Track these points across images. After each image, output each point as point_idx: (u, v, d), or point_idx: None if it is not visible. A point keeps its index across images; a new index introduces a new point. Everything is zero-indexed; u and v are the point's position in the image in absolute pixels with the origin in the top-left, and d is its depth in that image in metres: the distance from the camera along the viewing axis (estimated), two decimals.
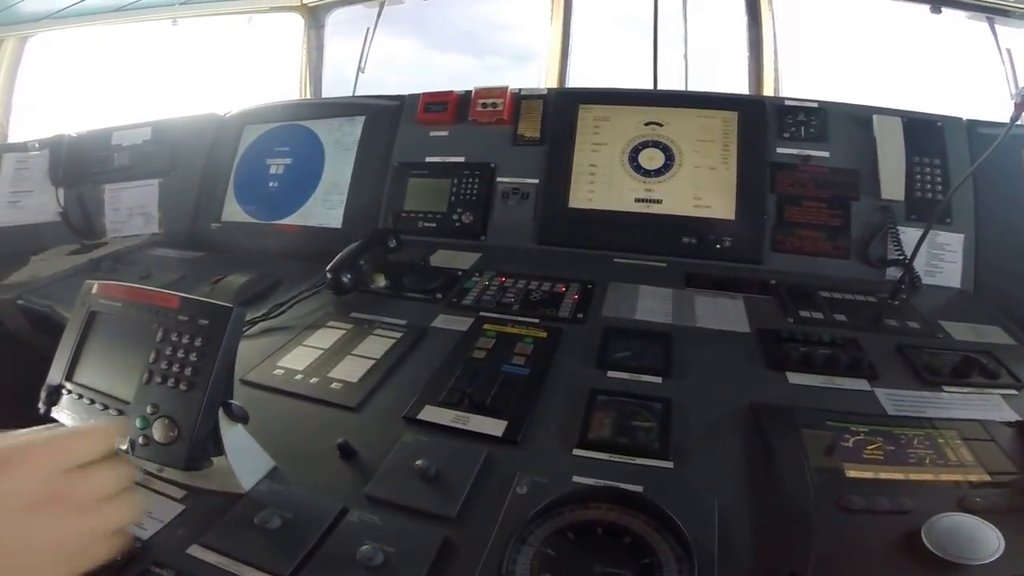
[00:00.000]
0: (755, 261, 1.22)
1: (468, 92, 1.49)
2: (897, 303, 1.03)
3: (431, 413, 0.78)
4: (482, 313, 1.03)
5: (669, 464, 0.69)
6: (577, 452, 0.72)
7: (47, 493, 0.35)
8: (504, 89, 1.45)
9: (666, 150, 1.34)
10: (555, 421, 0.77)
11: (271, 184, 1.63)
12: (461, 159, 1.41)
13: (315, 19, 2.68)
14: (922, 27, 2.02)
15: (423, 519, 0.62)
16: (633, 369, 0.85)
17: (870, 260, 1.18)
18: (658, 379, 0.84)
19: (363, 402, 0.82)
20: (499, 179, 1.37)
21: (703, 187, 1.29)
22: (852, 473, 0.67)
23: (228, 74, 2.92)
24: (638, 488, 0.65)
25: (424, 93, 1.51)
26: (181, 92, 2.92)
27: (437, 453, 0.70)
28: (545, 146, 1.38)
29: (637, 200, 1.30)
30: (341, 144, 1.57)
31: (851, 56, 2.29)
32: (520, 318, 1.00)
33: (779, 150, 1.29)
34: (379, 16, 2.51)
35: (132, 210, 1.76)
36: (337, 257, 1.11)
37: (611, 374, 0.85)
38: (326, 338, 1.00)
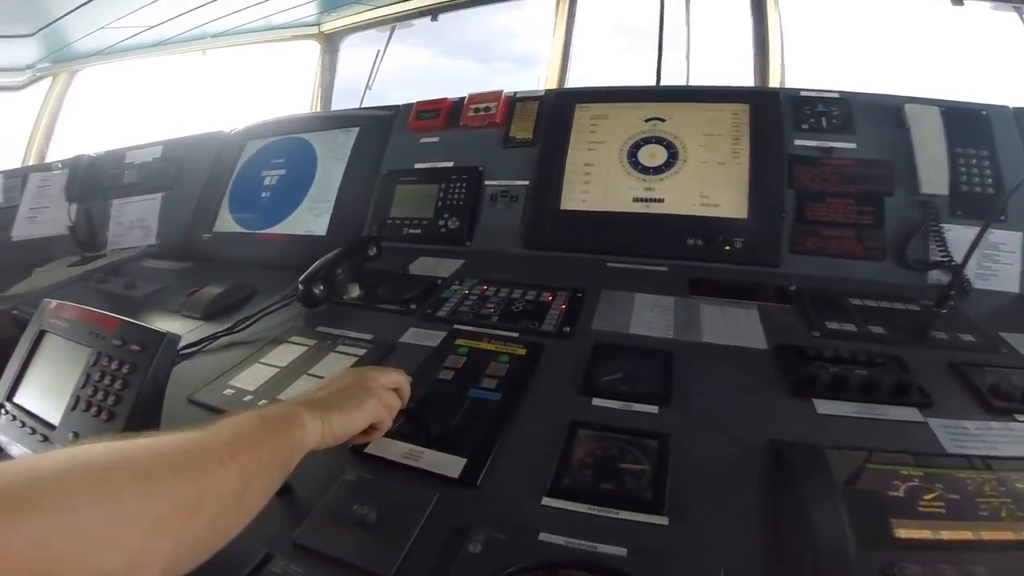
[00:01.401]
0: (770, 264, 1.02)
1: (462, 99, 1.35)
2: (945, 311, 0.82)
3: (381, 445, 0.63)
4: (457, 326, 0.87)
5: (663, 520, 0.52)
6: (548, 501, 0.55)
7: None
8: (498, 93, 1.31)
9: (669, 146, 1.16)
10: (525, 460, 0.61)
11: (263, 195, 1.54)
12: (450, 164, 1.27)
13: (330, 44, 2.71)
14: (941, 19, 1.81)
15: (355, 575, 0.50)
16: (624, 396, 0.67)
17: (908, 262, 0.97)
18: (654, 408, 0.66)
19: None
20: (487, 182, 1.22)
21: (711, 184, 1.11)
22: (904, 532, 0.49)
23: (245, 95, 2.92)
24: (620, 552, 0.49)
25: (417, 102, 1.38)
26: (204, 114, 2.93)
27: (382, 494, 0.56)
28: (537, 147, 1.22)
29: (636, 200, 1.13)
30: (334, 155, 1.47)
31: (865, 51, 2.09)
32: (498, 332, 0.84)
33: (797, 142, 1.09)
34: (389, 39, 2.45)
35: (133, 223, 1.71)
36: (311, 268, 0.98)
37: (598, 402, 0.67)
38: (286, 355, 0.86)
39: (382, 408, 0.59)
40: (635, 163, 1.16)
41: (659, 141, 1.18)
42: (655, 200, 1.12)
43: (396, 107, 1.44)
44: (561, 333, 0.83)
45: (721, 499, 0.54)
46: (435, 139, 1.32)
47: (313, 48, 2.70)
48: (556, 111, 1.25)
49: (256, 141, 1.65)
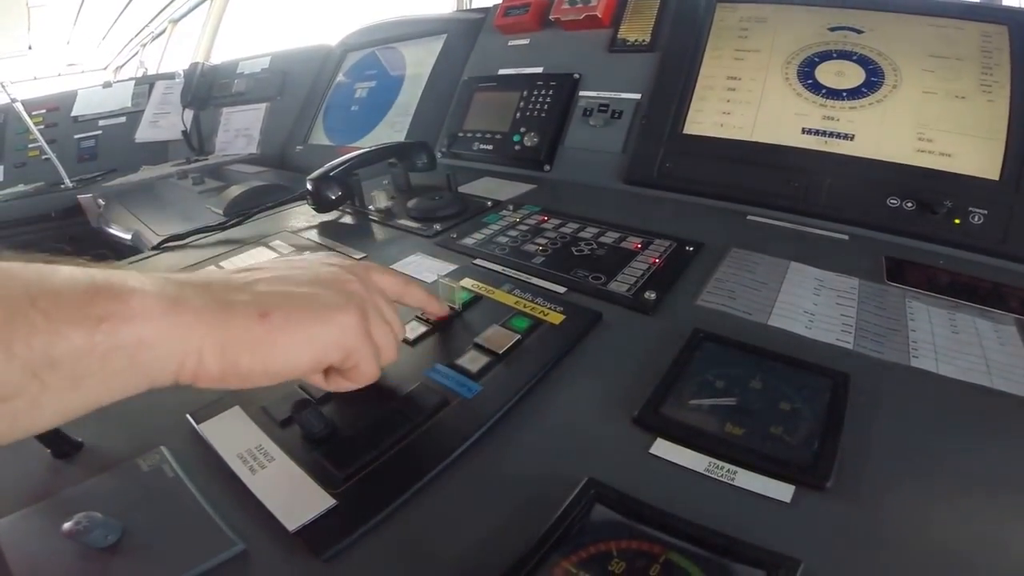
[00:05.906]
0: None
1: None
2: None
3: (223, 425, 0.34)
4: (477, 261, 0.54)
5: None
6: None
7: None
8: None
9: (868, 64, 0.70)
10: (457, 535, 0.27)
11: (353, 108, 1.35)
12: (539, 70, 0.91)
13: None
14: None
15: None
16: (730, 450, 0.30)
17: None
18: (786, 494, 0.28)
19: None
20: (583, 93, 0.84)
21: (938, 123, 0.64)
22: None
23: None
24: None
25: None
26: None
27: (162, 508, 0.29)
28: (657, 52, 0.82)
29: (808, 131, 0.68)
30: (422, 64, 1.21)
31: None
32: (533, 279, 0.49)
33: None
34: None
35: (239, 131, 1.64)
36: (327, 165, 0.72)
37: (663, 449, 0.31)
38: (249, 260, 0.61)
39: (361, 337, 0.29)
40: (812, 84, 0.71)
41: (850, 56, 0.71)
42: (840, 135, 0.67)
43: (487, 9, 1.11)
44: (639, 300, 0.46)
45: None
46: (525, 41, 0.96)
47: None
48: (686, 11, 0.83)
49: (355, 53, 1.45)
